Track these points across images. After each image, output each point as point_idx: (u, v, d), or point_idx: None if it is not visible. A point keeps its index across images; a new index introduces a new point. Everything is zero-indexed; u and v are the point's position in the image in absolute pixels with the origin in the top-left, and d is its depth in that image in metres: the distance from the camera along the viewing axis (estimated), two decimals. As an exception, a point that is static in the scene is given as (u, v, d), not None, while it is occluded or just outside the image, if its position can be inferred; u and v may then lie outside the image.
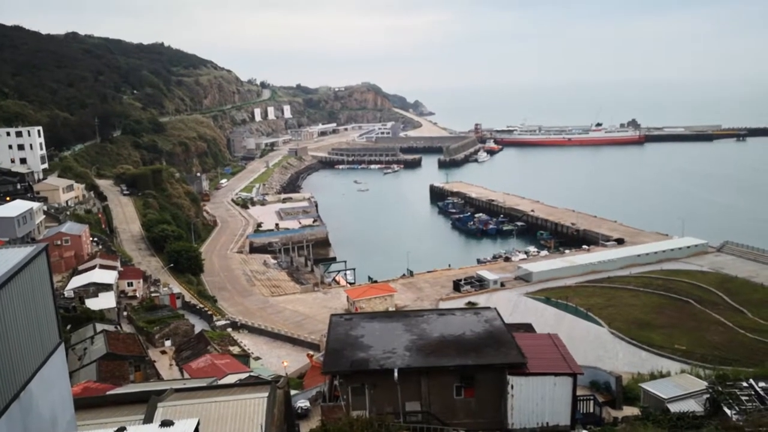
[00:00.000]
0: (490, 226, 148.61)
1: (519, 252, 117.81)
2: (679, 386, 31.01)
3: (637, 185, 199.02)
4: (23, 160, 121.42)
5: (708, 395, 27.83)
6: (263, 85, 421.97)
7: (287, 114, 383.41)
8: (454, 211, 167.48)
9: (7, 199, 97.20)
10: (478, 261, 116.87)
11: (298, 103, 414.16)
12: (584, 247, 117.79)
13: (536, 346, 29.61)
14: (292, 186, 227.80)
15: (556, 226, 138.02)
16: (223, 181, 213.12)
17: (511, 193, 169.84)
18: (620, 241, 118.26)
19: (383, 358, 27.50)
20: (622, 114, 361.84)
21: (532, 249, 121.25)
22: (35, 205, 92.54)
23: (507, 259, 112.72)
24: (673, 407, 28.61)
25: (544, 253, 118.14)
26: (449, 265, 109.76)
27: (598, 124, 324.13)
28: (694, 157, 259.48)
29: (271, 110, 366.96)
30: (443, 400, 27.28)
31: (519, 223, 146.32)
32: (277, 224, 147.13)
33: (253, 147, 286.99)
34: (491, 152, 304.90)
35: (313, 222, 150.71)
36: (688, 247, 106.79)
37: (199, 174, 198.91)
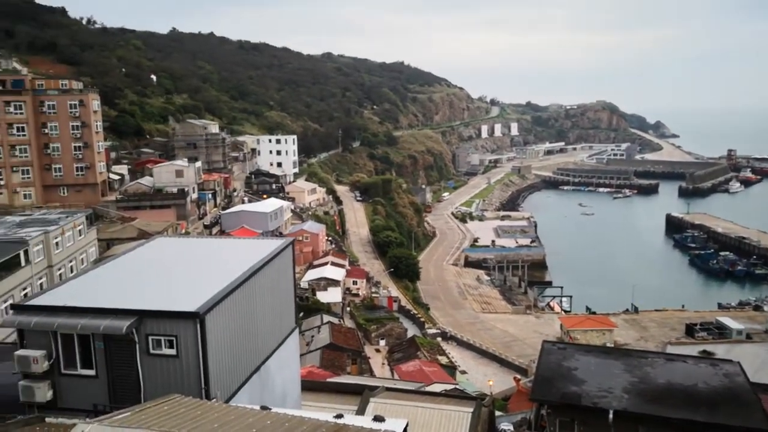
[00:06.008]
0: (738, 268, 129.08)
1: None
2: None
3: None
4: (279, 164, 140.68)
5: None
6: (493, 102, 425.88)
7: (514, 131, 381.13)
8: (693, 245, 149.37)
9: (264, 197, 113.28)
10: (720, 306, 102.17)
11: (526, 121, 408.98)
12: None
13: (791, 416, 24.71)
14: (511, 204, 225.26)
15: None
16: (446, 194, 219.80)
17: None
18: None
19: (598, 396, 25.50)
20: None
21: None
22: (285, 203, 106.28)
23: (757, 308, 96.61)
24: None
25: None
26: (683, 306, 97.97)
27: None
28: None
29: (497, 127, 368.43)
30: (663, 455, 24.28)
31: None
32: (493, 241, 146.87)
33: (476, 163, 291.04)
34: (747, 183, 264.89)
35: (531, 242, 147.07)
36: None
37: (423, 186, 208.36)
